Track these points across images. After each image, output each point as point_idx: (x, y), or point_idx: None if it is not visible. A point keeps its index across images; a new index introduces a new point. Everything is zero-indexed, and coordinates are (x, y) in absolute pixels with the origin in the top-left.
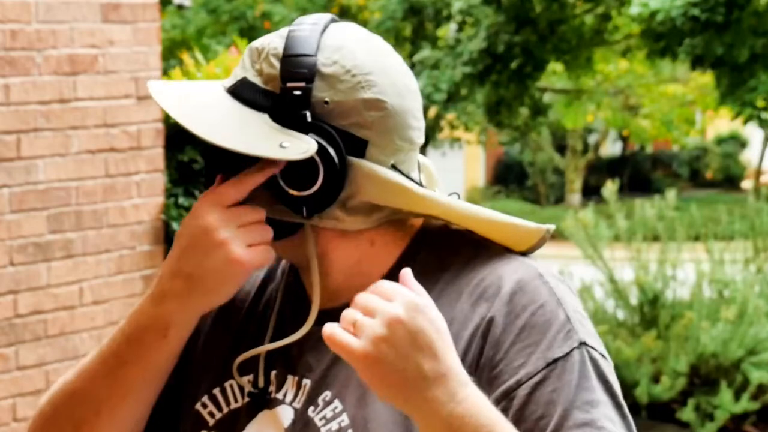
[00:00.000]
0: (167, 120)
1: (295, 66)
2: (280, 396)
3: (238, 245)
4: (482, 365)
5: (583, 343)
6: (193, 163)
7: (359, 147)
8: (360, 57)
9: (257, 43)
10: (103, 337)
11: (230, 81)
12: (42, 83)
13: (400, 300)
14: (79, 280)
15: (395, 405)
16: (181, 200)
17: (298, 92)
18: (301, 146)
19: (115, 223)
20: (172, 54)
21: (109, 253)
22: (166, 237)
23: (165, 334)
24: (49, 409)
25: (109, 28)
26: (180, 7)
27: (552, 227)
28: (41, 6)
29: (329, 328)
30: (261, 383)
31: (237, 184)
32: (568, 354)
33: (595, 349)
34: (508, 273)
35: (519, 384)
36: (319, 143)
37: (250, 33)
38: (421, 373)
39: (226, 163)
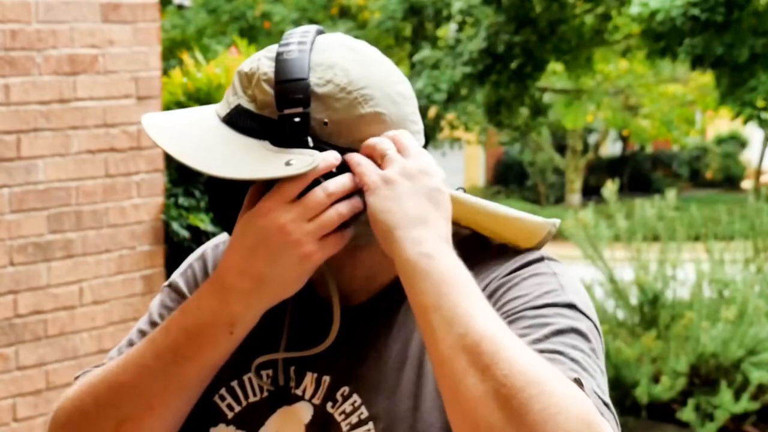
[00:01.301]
0: None
1: (290, 92)
2: (299, 392)
3: (312, 242)
4: None
5: (572, 305)
6: None
7: None
8: (353, 72)
9: (245, 67)
10: (103, 337)
11: (224, 108)
12: (42, 83)
13: (432, 165)
14: (79, 280)
15: (384, 228)
16: (181, 200)
17: (297, 119)
18: (306, 159)
19: (115, 223)
20: (172, 54)
21: (109, 253)
22: (166, 237)
23: (231, 331)
24: (91, 402)
25: (109, 28)
26: (180, 7)
27: (557, 221)
28: (41, 6)
29: (357, 157)
30: (281, 381)
31: (294, 180)
32: (552, 306)
33: (586, 316)
34: (514, 260)
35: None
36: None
37: (250, 33)
38: (424, 214)
39: (238, 191)
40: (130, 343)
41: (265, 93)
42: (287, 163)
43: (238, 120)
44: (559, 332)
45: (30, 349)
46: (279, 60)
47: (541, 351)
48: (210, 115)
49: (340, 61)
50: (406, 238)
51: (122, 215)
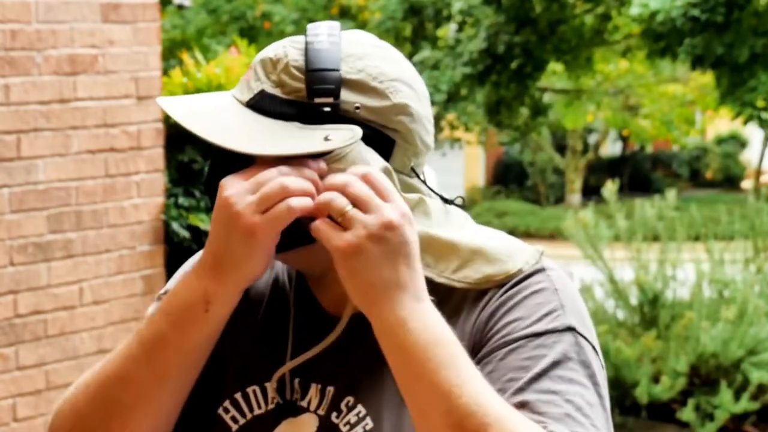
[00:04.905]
0: (167, 120)
1: (321, 81)
2: (304, 404)
3: (252, 214)
4: (479, 338)
5: (571, 328)
6: (193, 163)
7: (387, 149)
8: (383, 65)
9: (269, 53)
10: (103, 337)
11: (245, 94)
12: (42, 83)
13: (394, 205)
14: (79, 280)
15: (359, 302)
16: (181, 200)
17: (327, 108)
18: (345, 134)
19: (115, 223)
20: (172, 54)
21: (109, 253)
22: (166, 237)
23: (207, 309)
24: (82, 399)
25: (109, 28)
26: (180, 7)
27: (541, 251)
28: (41, 6)
29: (317, 223)
30: (288, 396)
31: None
32: (551, 332)
33: (585, 338)
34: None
35: (496, 349)
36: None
37: (250, 33)
38: (396, 278)
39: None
40: None
41: (294, 78)
42: (326, 138)
43: (263, 104)
44: (557, 364)
45: (30, 349)
46: (310, 49)
47: (539, 391)
48: (229, 100)
49: (370, 53)
50: (380, 309)
51: (122, 215)
